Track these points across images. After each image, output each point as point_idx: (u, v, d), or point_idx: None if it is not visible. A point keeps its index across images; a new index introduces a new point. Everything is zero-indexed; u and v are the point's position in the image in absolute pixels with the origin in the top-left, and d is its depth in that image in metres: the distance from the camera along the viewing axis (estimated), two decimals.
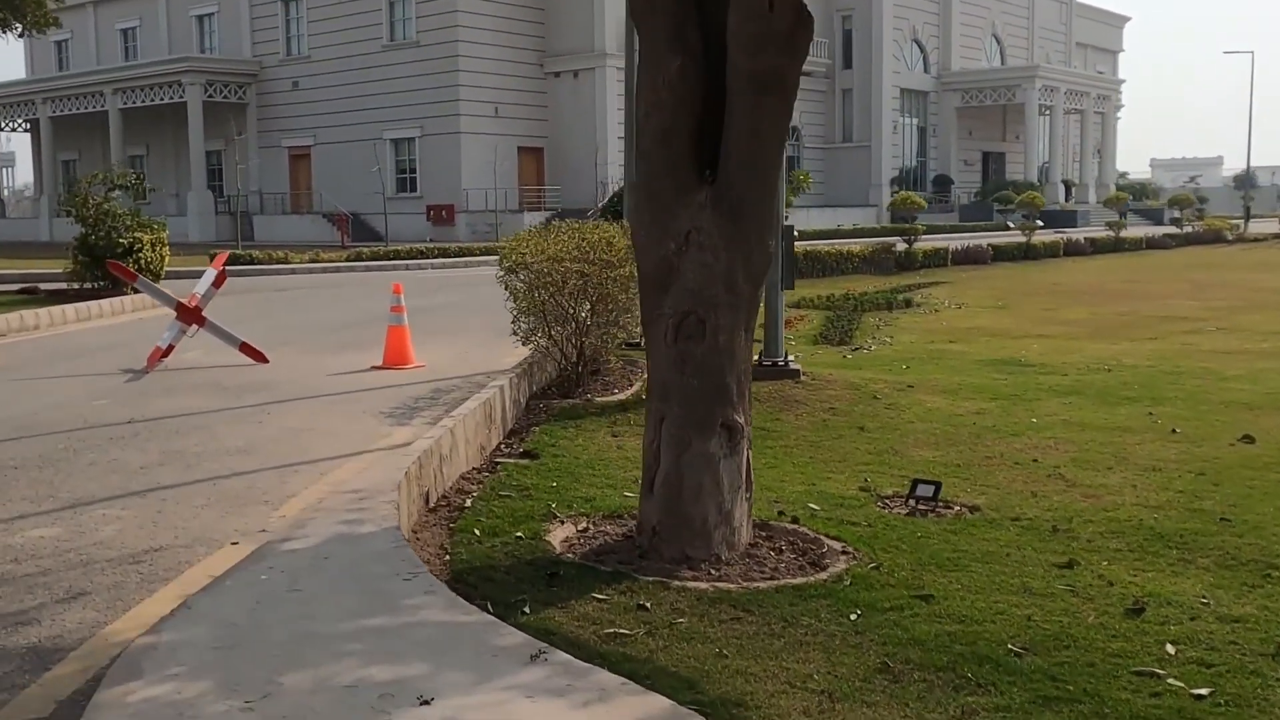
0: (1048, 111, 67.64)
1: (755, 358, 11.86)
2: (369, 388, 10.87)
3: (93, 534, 5.90)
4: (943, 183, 67.24)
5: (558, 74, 53.10)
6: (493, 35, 50.53)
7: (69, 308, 17.46)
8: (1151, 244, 42.75)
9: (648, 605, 4.84)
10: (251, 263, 29.92)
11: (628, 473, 7.51)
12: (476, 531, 5.83)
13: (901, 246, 31.33)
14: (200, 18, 59.80)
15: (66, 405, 9.97)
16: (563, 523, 6.20)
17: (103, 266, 19.46)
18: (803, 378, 11.29)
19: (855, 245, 32.12)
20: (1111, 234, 40.08)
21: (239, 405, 9.92)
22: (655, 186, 5.70)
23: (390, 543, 4.67)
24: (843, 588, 5.28)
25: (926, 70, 67.57)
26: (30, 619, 4.64)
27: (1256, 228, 51.66)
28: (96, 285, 19.95)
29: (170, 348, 12.33)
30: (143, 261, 19.85)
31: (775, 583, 5.32)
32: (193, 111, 54.07)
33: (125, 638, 4.33)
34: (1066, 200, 66.62)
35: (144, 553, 5.56)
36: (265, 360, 12.57)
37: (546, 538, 5.86)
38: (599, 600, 4.88)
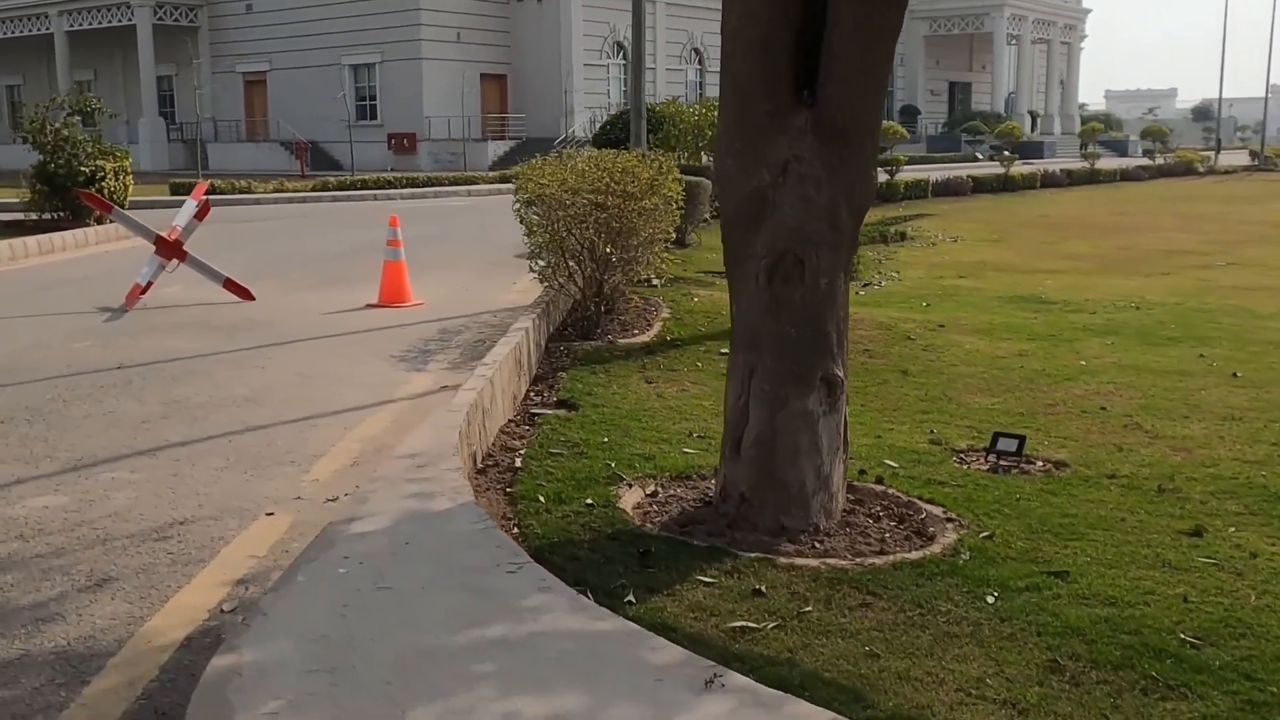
0: (1015, 41, 66.94)
1: None
2: (370, 328, 10.14)
3: (104, 503, 5.20)
4: (910, 113, 66.51)
5: None
6: None
7: (30, 240, 16.50)
8: (1125, 176, 42.37)
9: (763, 590, 4.23)
10: (213, 192, 28.73)
11: (677, 425, 6.89)
12: (541, 499, 5.18)
13: (883, 177, 30.66)
14: None
15: (45, 348, 9.19)
16: (630, 486, 5.57)
17: (62, 196, 18.50)
18: None
19: None
20: (1087, 165, 39.65)
21: (233, 348, 9.17)
22: (747, 109, 5.00)
23: (474, 522, 4.02)
24: (963, 563, 4.69)
25: None
26: (53, 614, 3.96)
27: (1225, 160, 51.45)
28: (56, 216, 18.92)
29: (149, 284, 11.51)
30: (105, 191, 18.83)
31: (888, 558, 4.73)
32: (142, 35, 52.20)
33: (171, 638, 3.67)
34: (1032, 131, 66.17)
35: (168, 526, 4.87)
36: (251, 297, 11.79)
37: (618, 505, 5.23)
38: (706, 585, 4.26)
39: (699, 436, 6.65)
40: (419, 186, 32.09)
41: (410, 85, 49.02)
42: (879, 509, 5.44)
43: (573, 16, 50.35)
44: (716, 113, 12.66)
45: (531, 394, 7.74)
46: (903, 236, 20.73)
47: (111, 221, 18.97)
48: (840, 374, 5.10)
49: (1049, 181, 37.42)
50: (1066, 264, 16.79)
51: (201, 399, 7.30)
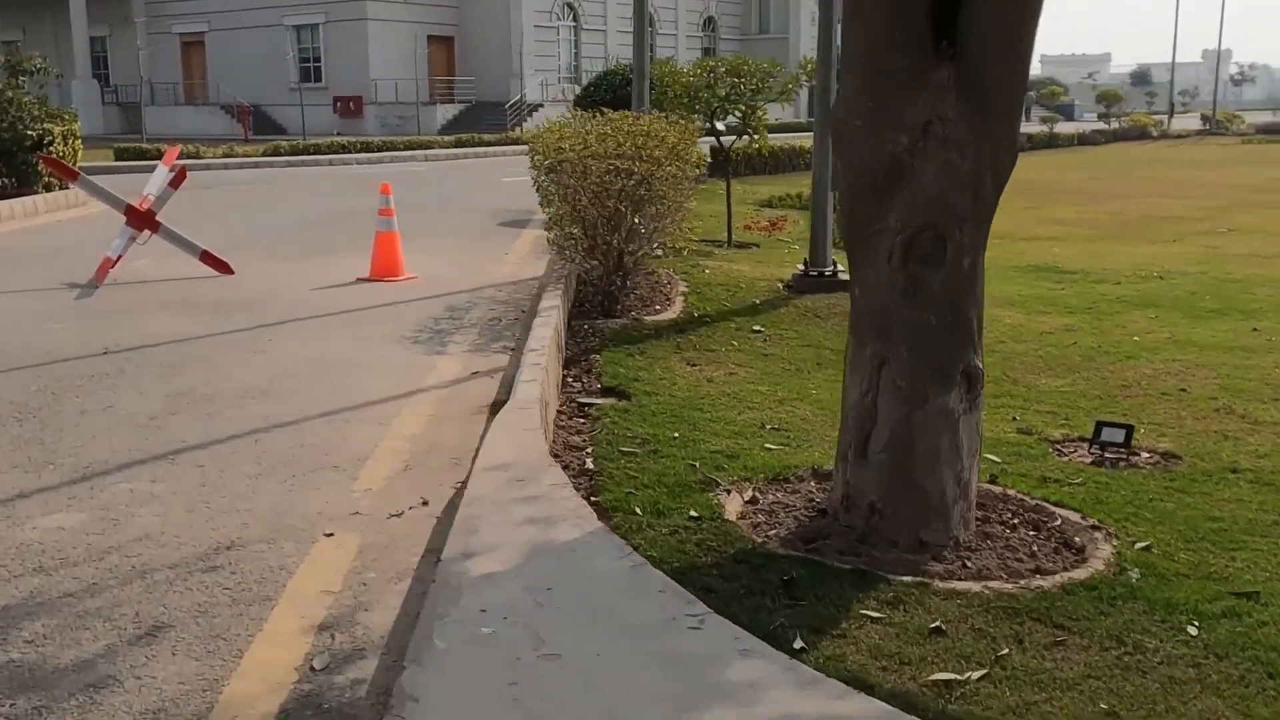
0: None
1: (799, 267, 10.63)
2: (368, 305, 9.38)
3: (129, 522, 4.46)
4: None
5: None
6: None
7: None
8: (1083, 140, 42.25)
9: (943, 627, 3.61)
10: (159, 156, 27.53)
11: (742, 415, 6.25)
12: (637, 511, 4.52)
13: None
14: None
15: (17, 330, 8.34)
16: (727, 492, 4.92)
17: (7, 161, 17.39)
18: None
19: (803, 140, 30.81)
20: (1046, 130, 39.39)
21: (227, 329, 8.38)
22: (880, 63, 4.34)
23: (617, 556, 3.36)
24: (1136, 583, 4.11)
25: None
26: (104, 676, 3.23)
27: (1177, 124, 51.50)
28: (2, 184, 17.80)
29: (119, 257, 10.64)
30: (53, 156, 17.72)
31: (1052, 579, 4.13)
32: None
33: (262, 711, 2.98)
34: None
35: (213, 552, 4.16)
36: (230, 270, 10.96)
37: (726, 516, 4.58)
38: (874, 621, 3.63)
39: (773, 429, 6.01)
40: (374, 151, 31.04)
41: (356, 47, 47.67)
42: (1008, 514, 4.84)
43: None
44: (733, 75, 11.83)
45: (568, 379, 7.05)
46: None
47: (64, 188, 17.95)
48: (981, 366, 4.48)
49: None
50: (1061, 230, 16.34)
51: (208, 389, 6.53)
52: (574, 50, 53.26)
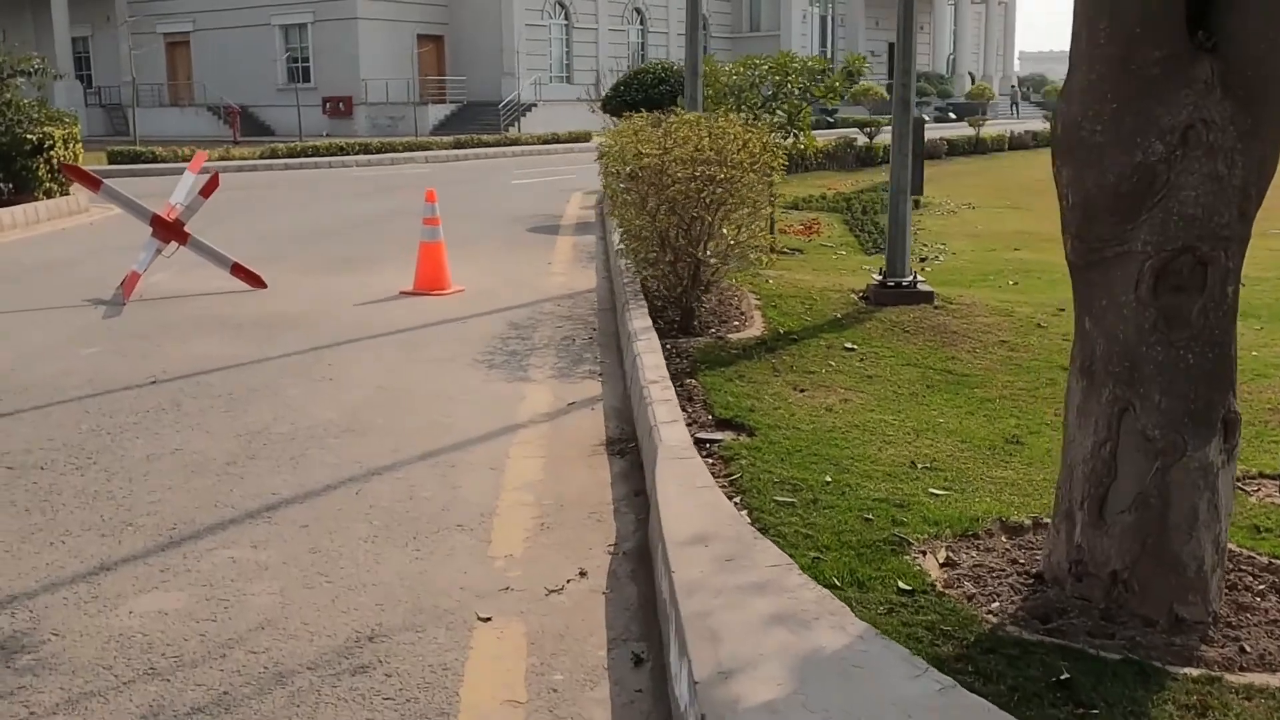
0: (955, 2, 66.20)
1: (875, 277, 9.99)
2: (423, 322, 8.69)
3: (243, 603, 3.78)
4: (851, 75, 65.47)
5: None
6: None
7: None
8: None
9: None
10: (154, 160, 26.80)
11: (884, 451, 5.61)
12: (835, 581, 3.85)
13: (862, 141, 29.54)
14: None
15: (50, 355, 7.62)
16: (923, 553, 4.26)
17: (5, 166, 16.59)
18: (937, 301, 9.46)
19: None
20: (1049, 128, 38.82)
21: (279, 352, 7.67)
22: (1130, 57, 3.68)
23: (916, 675, 2.71)
24: None
25: None
26: None
27: None
28: None
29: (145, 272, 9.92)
30: (55, 161, 16.95)
31: None
32: None
33: None
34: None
35: (354, 646, 3.47)
36: (263, 284, 10.25)
37: (939, 588, 3.93)
38: None
39: (926, 469, 5.37)
40: (373, 153, 30.29)
41: (346, 46, 46.84)
42: (1246, 575, 4.20)
43: None
44: (778, 74, 11.21)
45: None
46: (916, 203, 19.54)
47: (66, 193, 17.18)
48: (1239, 410, 3.84)
49: (1017, 144, 36.57)
50: None
51: (283, 427, 5.84)
52: (566, 49, 52.57)
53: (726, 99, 13.35)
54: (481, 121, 44.35)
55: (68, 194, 17.42)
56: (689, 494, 3.92)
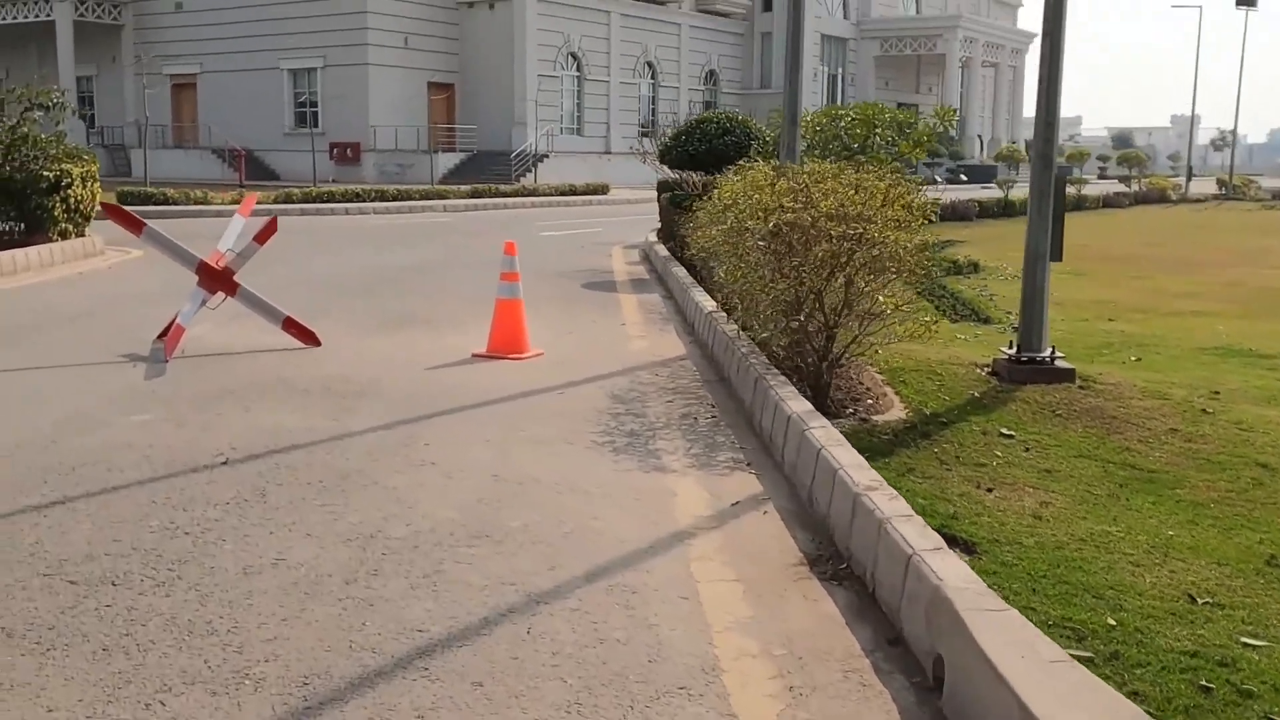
0: (965, 64, 65.92)
1: (1005, 351, 8.99)
2: (514, 393, 7.63)
3: None
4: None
5: (471, 3, 48.98)
6: None
7: None
8: (1108, 202, 41.18)
9: None
10: (165, 202, 25.80)
11: (1141, 578, 4.59)
12: None
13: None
14: None
15: (92, 423, 6.55)
16: None
17: (19, 204, 15.56)
18: (1079, 380, 8.45)
19: None
20: (1074, 191, 38.22)
21: (360, 426, 6.61)
22: None
23: None
24: None
25: (846, 16, 65.13)
26: None
27: (1194, 188, 50.58)
28: (7, 227, 15.94)
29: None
30: (72, 200, 15.94)
31: None
32: (61, 32, 48.59)
33: None
34: (980, 154, 65.22)
35: None
36: (316, 341, 9.22)
37: None
38: None
39: (1210, 604, 4.33)
40: (389, 200, 29.34)
41: (355, 92, 46.07)
42: None
43: (527, 25, 47.87)
44: (847, 120, 10.31)
45: None
46: (975, 267, 18.62)
47: (81, 234, 16.17)
48: None
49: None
50: (1195, 304, 14.82)
51: (398, 529, 4.77)
52: (577, 101, 51.96)
53: (811, 151, 12.46)
54: (492, 171, 43.55)
55: (83, 235, 16.39)
56: (1041, 671, 2.86)
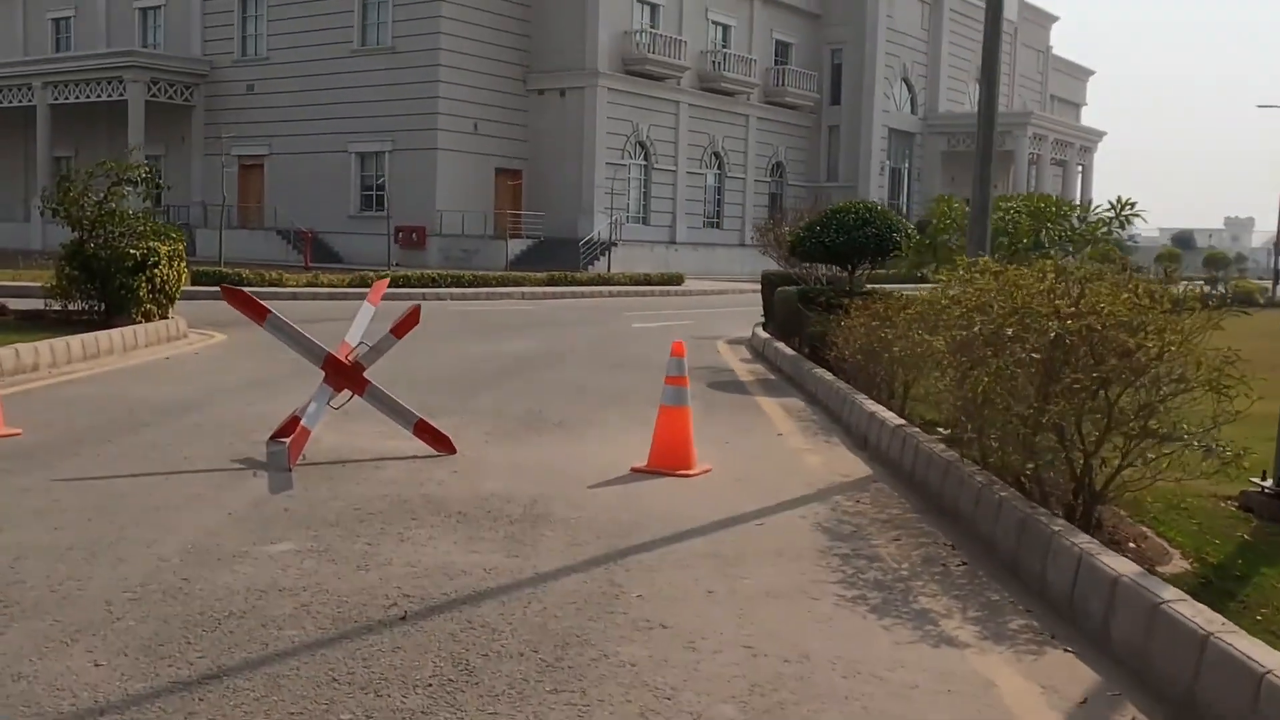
0: (1035, 160, 65.01)
1: (1257, 483, 7.71)
2: (708, 523, 6.44)
3: None
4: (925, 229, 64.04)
5: (541, 91, 48.62)
6: (476, 45, 45.98)
7: (72, 341, 12.63)
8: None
9: None
10: (241, 283, 25.01)
11: None
12: None
13: None
14: (145, 10, 54.32)
15: (225, 554, 5.43)
16: None
17: (102, 283, 14.69)
18: None
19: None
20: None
21: (549, 566, 5.44)
22: None
23: None
24: None
25: (913, 111, 64.53)
26: None
27: None
28: (88, 307, 15.05)
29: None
30: (158, 280, 15.06)
31: None
32: (134, 111, 48.56)
33: None
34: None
35: None
36: (451, 449, 8.10)
37: None
38: None
39: None
40: (465, 285, 28.48)
41: (423, 176, 45.60)
42: None
43: (598, 113, 47.42)
44: (1035, 219, 9.18)
45: None
46: None
47: (164, 316, 15.28)
48: None
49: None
50: None
51: None
52: (644, 189, 51.37)
53: (1021, 239, 11.35)
54: (559, 258, 42.76)
55: (167, 316, 15.49)
56: None
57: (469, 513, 6.41)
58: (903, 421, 8.54)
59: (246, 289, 22.91)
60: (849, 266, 14.06)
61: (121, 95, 48.95)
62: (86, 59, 50.80)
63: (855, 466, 8.32)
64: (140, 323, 14.64)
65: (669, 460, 7.80)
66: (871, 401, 9.55)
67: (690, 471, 7.75)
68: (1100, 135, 73.50)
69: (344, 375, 7.94)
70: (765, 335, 16.95)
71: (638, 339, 18.63)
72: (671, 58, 49.62)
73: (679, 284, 36.40)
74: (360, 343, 8.06)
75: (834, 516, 6.71)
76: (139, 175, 15.68)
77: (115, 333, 13.67)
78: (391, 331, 7.96)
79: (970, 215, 9.55)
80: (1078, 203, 11.35)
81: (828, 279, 15.97)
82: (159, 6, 53.72)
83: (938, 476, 7.05)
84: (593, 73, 47.09)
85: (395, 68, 45.93)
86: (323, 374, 7.94)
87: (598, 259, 44.56)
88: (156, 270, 14.95)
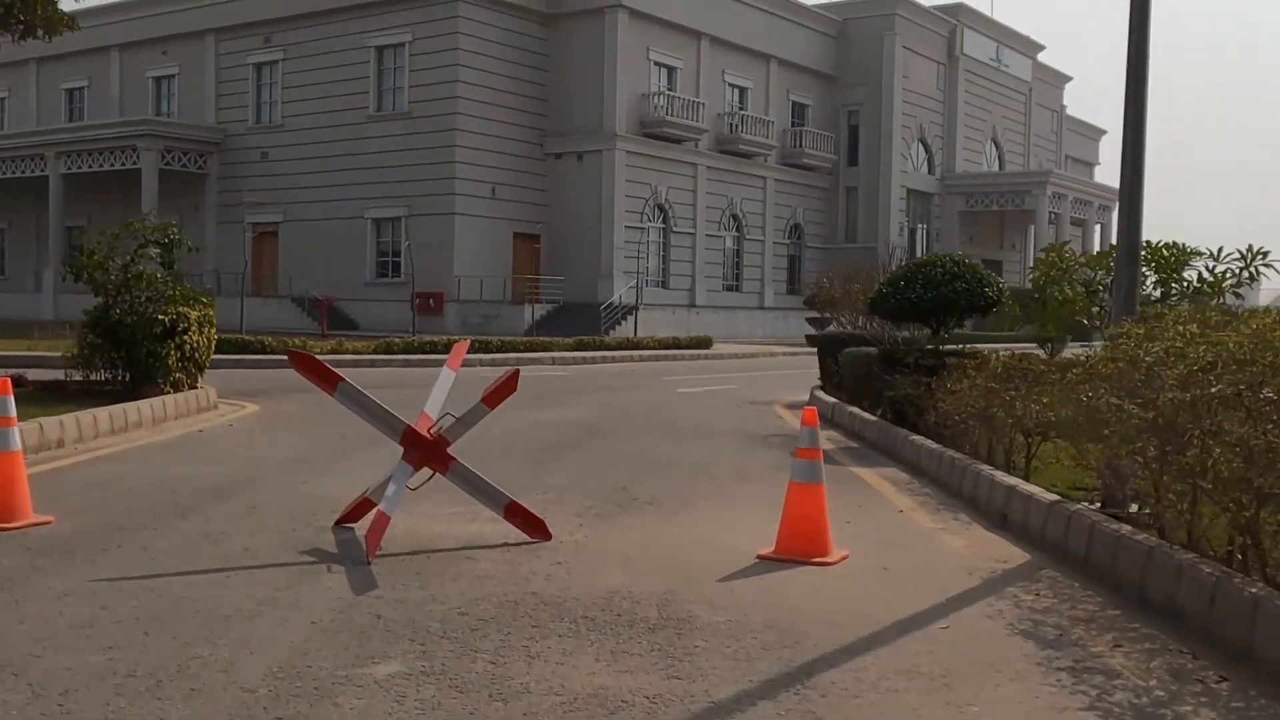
0: (1054, 220, 64.29)
1: None
2: (881, 626, 5.38)
3: None
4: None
5: (559, 155, 47.97)
6: (493, 110, 45.41)
7: (100, 414, 11.61)
8: None
9: None
10: (263, 350, 24.12)
11: None
12: None
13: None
14: (158, 79, 53.95)
15: (321, 678, 4.38)
16: None
17: (128, 351, 13.71)
18: None
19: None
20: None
21: (724, 694, 4.39)
22: None
23: None
24: None
25: (931, 171, 63.93)
26: None
27: None
28: (114, 376, 14.07)
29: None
30: (188, 348, 14.09)
31: None
32: (148, 179, 47.92)
33: None
34: None
35: None
36: (546, 534, 7.06)
37: None
38: None
39: None
40: (493, 352, 27.50)
41: (440, 241, 44.77)
42: None
43: (616, 177, 46.74)
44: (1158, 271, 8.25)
45: None
46: None
47: (194, 386, 14.29)
48: None
49: None
50: None
51: None
52: (662, 252, 50.59)
53: (1074, 304, 10.42)
54: (579, 323, 41.78)
55: (196, 386, 14.50)
56: None
57: (596, 617, 5.35)
58: (1057, 497, 7.48)
59: (261, 358, 21.90)
60: (935, 324, 13.07)
61: (135, 164, 48.39)
62: (100, 129, 50.34)
63: (1005, 549, 7.26)
64: (169, 393, 13.65)
65: (803, 546, 6.74)
66: (1005, 474, 8.51)
67: (829, 559, 6.69)
68: (1116, 192, 72.75)
69: (425, 451, 6.90)
70: (831, 399, 15.93)
71: (686, 404, 17.61)
72: (690, 120, 49.08)
73: (708, 347, 35.45)
74: (445, 414, 7.03)
75: (1024, 615, 5.64)
76: (169, 237, 14.76)
77: (144, 404, 12.66)
78: (484, 400, 6.93)
79: (1116, 261, 8.55)
80: (1203, 250, 10.31)
81: (903, 339, 14.99)
82: (172, 75, 53.34)
83: (1134, 564, 5.98)
84: (611, 136, 46.49)
85: (412, 133, 45.34)
86: (401, 449, 6.90)
87: (620, 323, 43.66)
88: (186, 337, 13.99)
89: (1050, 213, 63.23)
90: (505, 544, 6.94)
